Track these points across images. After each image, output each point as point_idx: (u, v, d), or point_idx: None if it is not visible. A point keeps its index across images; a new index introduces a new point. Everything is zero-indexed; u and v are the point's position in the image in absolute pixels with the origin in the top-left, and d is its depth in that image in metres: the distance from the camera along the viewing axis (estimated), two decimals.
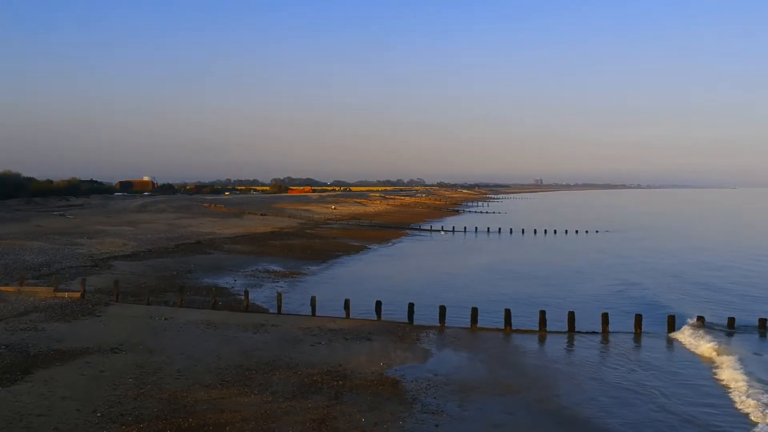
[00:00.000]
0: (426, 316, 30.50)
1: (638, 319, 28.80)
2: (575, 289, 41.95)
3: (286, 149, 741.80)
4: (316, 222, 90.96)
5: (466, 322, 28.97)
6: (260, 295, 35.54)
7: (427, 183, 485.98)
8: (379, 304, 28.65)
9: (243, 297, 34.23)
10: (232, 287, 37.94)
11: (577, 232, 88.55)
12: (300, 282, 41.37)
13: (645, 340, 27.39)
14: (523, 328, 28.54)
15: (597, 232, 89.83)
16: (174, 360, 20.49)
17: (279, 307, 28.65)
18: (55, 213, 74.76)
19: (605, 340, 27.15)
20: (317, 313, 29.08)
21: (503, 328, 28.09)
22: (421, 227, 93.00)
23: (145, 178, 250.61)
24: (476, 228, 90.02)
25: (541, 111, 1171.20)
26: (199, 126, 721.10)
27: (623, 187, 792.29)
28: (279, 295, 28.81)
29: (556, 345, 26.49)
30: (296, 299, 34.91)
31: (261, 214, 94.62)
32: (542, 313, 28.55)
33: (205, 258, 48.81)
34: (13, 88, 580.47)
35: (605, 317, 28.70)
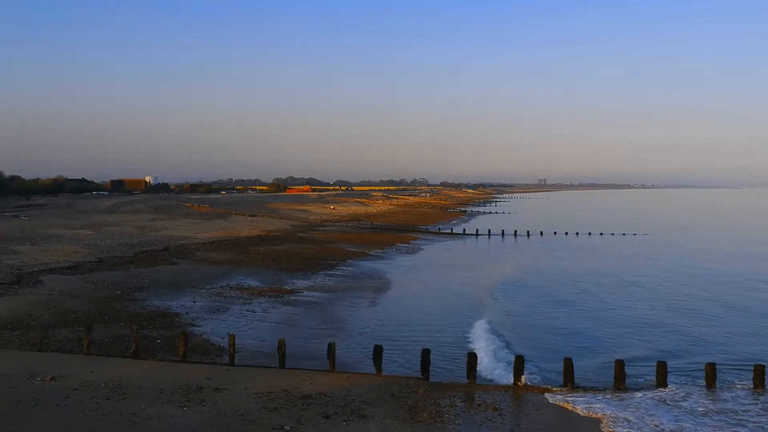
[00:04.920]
0: (447, 362, 21.65)
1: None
2: (624, 314, 32.79)
3: (289, 149, 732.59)
4: (311, 224, 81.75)
5: (505, 372, 20.01)
6: (220, 327, 26.40)
7: (430, 183, 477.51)
8: (379, 351, 19.49)
9: (197, 331, 25.41)
10: (188, 313, 28.80)
11: (599, 234, 79.90)
12: (278, 305, 32.13)
13: None
14: (591, 386, 19.48)
15: (625, 234, 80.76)
16: None
17: (231, 356, 19.49)
18: (7, 214, 65.65)
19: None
20: (288, 363, 19.94)
21: (562, 386, 18.95)
22: (428, 230, 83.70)
23: (147, 178, 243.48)
24: (489, 231, 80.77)
25: (544, 111, 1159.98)
26: (203, 126, 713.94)
27: (627, 187, 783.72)
28: (231, 338, 19.58)
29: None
30: (266, 331, 25.87)
31: (249, 215, 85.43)
32: (619, 364, 19.43)
33: (166, 270, 39.73)
34: (14, 87, 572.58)
35: (712, 371, 19.56)
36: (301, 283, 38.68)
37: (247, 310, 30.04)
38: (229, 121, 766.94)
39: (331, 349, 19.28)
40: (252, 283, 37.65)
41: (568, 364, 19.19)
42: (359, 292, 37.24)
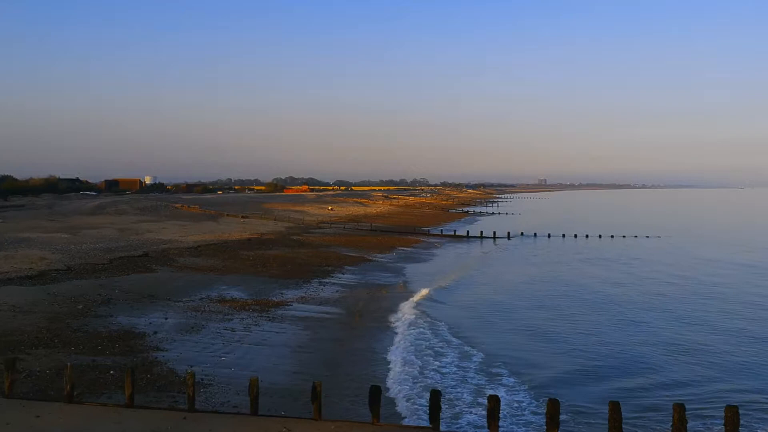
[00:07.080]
0: (460, 403, 17.65)
1: None
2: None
3: (289, 149, 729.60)
4: (307, 226, 77.75)
5: (534, 420, 16.04)
6: (191, 351, 22.41)
7: (430, 183, 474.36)
8: (376, 392, 15.45)
9: (161, 357, 21.45)
10: (156, 333, 24.76)
11: (610, 236, 75.89)
12: (262, 321, 28.11)
13: None
14: None
15: (637, 237, 76.83)
16: None
17: (191, 400, 15.45)
18: None
19: None
20: (263, 406, 15.94)
21: None
22: (430, 232, 79.73)
23: (147, 178, 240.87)
24: (494, 233, 76.80)
25: (544, 111, 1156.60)
26: (203, 127, 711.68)
27: (627, 186, 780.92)
28: (191, 377, 15.56)
29: None
30: (244, 357, 21.88)
31: (242, 217, 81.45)
32: (679, 410, 15.42)
33: (142, 279, 35.71)
34: (14, 86, 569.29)
35: None
36: (291, 294, 34.72)
37: (225, 329, 26.03)
38: (229, 121, 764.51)
39: (316, 390, 15.24)
40: (235, 294, 33.67)
41: (615, 409, 15.17)
42: (356, 304, 33.26)
